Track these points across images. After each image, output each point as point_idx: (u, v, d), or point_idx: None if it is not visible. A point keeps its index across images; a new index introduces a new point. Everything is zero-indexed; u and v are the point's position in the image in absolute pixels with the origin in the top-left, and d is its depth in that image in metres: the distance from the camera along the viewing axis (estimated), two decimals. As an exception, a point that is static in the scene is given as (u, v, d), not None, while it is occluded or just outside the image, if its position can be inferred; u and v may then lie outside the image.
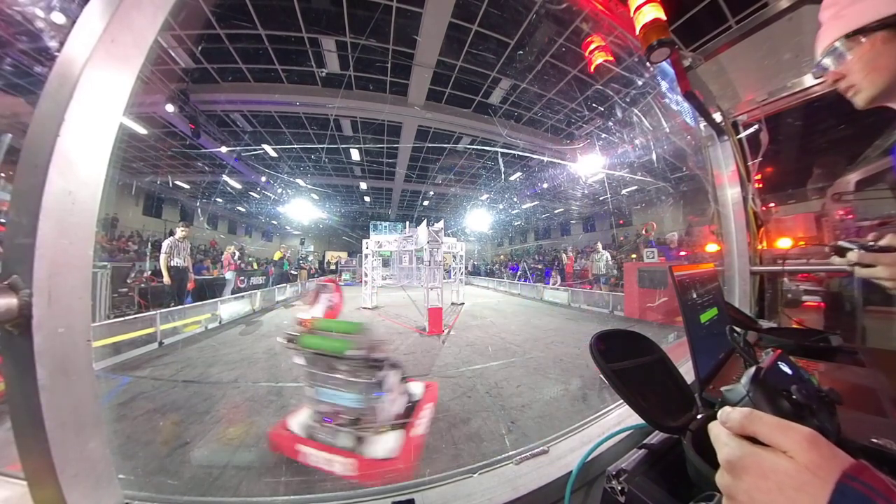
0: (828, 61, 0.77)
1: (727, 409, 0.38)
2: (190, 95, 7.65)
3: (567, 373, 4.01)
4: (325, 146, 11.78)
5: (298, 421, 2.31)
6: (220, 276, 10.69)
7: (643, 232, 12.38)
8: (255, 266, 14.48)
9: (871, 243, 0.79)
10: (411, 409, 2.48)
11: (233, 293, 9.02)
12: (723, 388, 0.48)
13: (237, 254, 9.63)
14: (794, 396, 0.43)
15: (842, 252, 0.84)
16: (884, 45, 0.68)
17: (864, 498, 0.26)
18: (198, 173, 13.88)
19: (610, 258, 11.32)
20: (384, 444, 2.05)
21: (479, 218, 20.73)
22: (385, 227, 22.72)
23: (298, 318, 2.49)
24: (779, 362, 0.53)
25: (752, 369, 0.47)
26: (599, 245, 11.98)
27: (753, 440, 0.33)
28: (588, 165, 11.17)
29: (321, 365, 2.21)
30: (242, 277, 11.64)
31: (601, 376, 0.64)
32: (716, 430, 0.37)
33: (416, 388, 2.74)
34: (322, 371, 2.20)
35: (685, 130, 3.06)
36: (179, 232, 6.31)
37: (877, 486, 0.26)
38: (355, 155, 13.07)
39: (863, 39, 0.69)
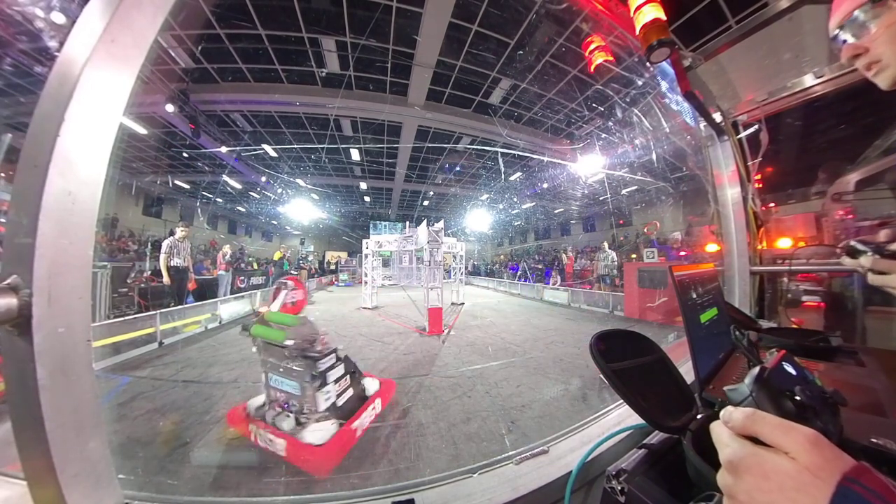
0: (846, 33, 0.65)
1: (730, 408, 0.38)
2: (190, 95, 7.65)
3: (567, 373, 4.01)
4: (325, 146, 11.78)
5: (255, 404, 2.57)
6: (214, 276, 10.72)
7: (644, 231, 12.37)
8: (255, 266, 14.49)
9: (883, 246, 0.75)
10: (360, 403, 2.57)
11: (232, 293, 9.02)
12: (726, 388, 0.48)
13: (227, 254, 9.66)
14: (797, 397, 0.43)
15: (854, 253, 0.79)
16: None
17: (864, 501, 0.26)
18: (198, 173, 13.89)
19: (615, 257, 11.31)
20: (317, 432, 2.15)
21: (479, 218, 20.73)
22: (385, 226, 22.76)
23: (256, 310, 2.67)
24: (783, 363, 0.53)
25: (756, 369, 0.47)
26: (606, 244, 11.96)
27: (755, 440, 0.33)
28: (588, 165, 11.17)
29: (272, 353, 2.45)
30: (242, 277, 11.64)
31: (601, 376, 0.64)
32: (718, 430, 0.37)
33: (371, 385, 2.83)
34: (272, 359, 2.44)
35: (685, 130, 3.06)
36: (179, 232, 6.30)
37: (876, 488, 0.26)
38: (355, 155, 13.07)
39: (893, 3, 0.58)
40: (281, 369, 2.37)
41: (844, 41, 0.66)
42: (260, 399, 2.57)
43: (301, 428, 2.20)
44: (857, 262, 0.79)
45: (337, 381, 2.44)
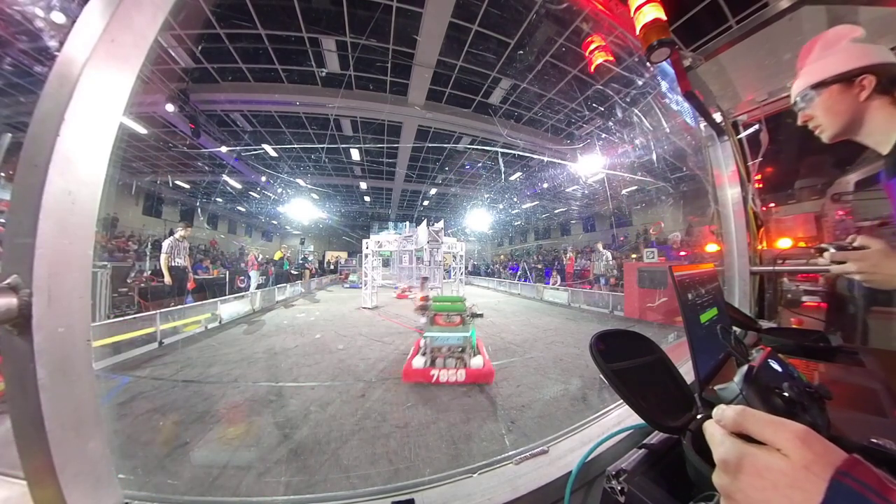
0: (800, 104, 0.95)
1: (722, 406, 0.38)
2: (190, 95, 7.64)
3: (567, 373, 4.01)
4: (325, 146, 11.77)
5: (418, 361, 3.70)
6: (219, 277, 10.80)
7: (650, 231, 12.38)
8: (255, 266, 14.48)
9: (846, 244, 0.92)
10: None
11: (232, 293, 9.08)
12: (717, 387, 0.49)
13: (259, 256, 10.13)
14: (786, 394, 0.43)
15: (822, 252, 0.96)
16: (839, 94, 0.86)
17: (857, 494, 0.26)
18: (198, 173, 13.87)
19: (610, 258, 11.33)
20: (477, 361, 3.69)
21: (479, 218, 20.72)
22: (388, 224, 22.78)
23: (421, 295, 4.77)
24: (769, 360, 0.54)
25: (745, 368, 0.47)
26: (600, 245, 11.98)
27: (748, 438, 0.33)
28: (588, 165, 11.18)
29: (441, 319, 4.02)
30: (243, 277, 11.69)
31: (601, 376, 0.64)
32: (711, 429, 0.37)
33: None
34: (441, 322, 4.00)
35: (685, 130, 3.07)
36: (179, 232, 6.30)
37: (869, 481, 0.26)
38: (355, 155, 13.06)
39: (823, 90, 0.89)
40: (449, 329, 3.88)
41: (800, 109, 0.96)
42: (418, 359, 3.72)
43: (464, 362, 3.69)
44: (825, 260, 0.95)
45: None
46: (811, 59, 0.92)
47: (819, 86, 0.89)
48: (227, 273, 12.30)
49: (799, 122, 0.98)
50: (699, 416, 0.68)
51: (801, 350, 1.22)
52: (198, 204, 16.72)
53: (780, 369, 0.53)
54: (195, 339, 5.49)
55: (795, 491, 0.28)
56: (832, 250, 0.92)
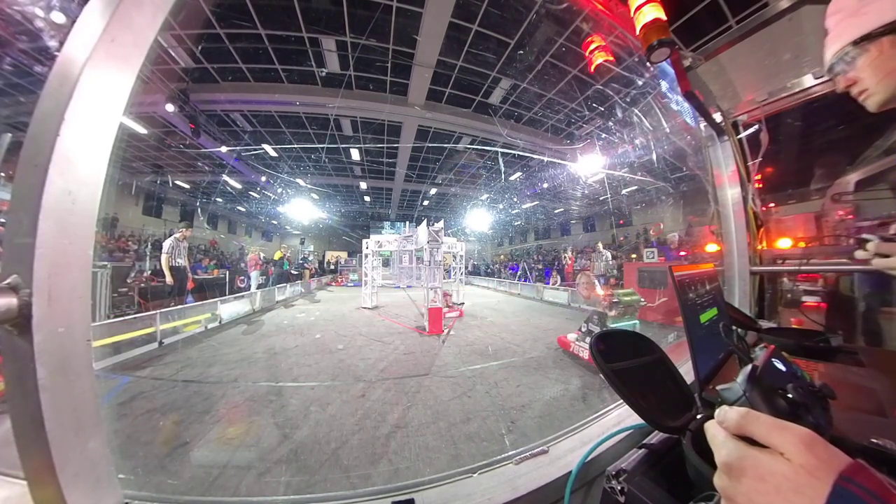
0: (839, 67, 0.78)
1: (724, 408, 0.37)
2: (190, 95, 7.64)
3: (567, 372, 4.02)
4: (325, 146, 11.78)
5: (572, 338, 4.69)
6: (219, 277, 10.82)
7: (650, 231, 12.42)
8: (255, 266, 14.48)
9: (893, 234, 0.80)
10: None
11: (232, 293, 9.09)
12: (719, 387, 0.48)
13: (261, 256, 10.40)
14: (790, 395, 0.43)
15: (864, 244, 0.85)
16: (892, 48, 0.68)
17: (860, 500, 0.26)
18: (198, 173, 13.88)
19: (610, 258, 11.35)
20: None
21: (479, 218, 20.72)
22: (384, 225, 22.78)
23: (605, 292, 5.37)
24: (773, 359, 0.53)
25: (749, 367, 0.47)
26: (600, 245, 11.99)
27: (750, 441, 0.33)
28: (588, 165, 11.17)
29: (616, 308, 5.02)
30: (243, 277, 11.70)
31: (601, 376, 0.64)
32: (713, 431, 0.37)
33: None
34: (617, 311, 5.03)
35: (685, 130, 3.06)
36: (180, 232, 6.30)
37: (872, 487, 0.26)
38: (355, 155, 13.07)
39: (870, 45, 0.71)
40: (618, 316, 4.99)
41: (839, 73, 0.79)
42: (573, 337, 4.70)
43: None
44: (867, 253, 0.85)
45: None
46: (847, 13, 0.76)
47: (864, 40, 0.71)
48: (227, 273, 12.31)
49: (839, 89, 0.82)
50: (699, 416, 0.68)
51: (801, 350, 1.21)
52: (198, 204, 16.73)
53: (783, 368, 0.53)
54: (195, 339, 5.49)
55: (798, 495, 0.28)
56: (877, 241, 0.81)
